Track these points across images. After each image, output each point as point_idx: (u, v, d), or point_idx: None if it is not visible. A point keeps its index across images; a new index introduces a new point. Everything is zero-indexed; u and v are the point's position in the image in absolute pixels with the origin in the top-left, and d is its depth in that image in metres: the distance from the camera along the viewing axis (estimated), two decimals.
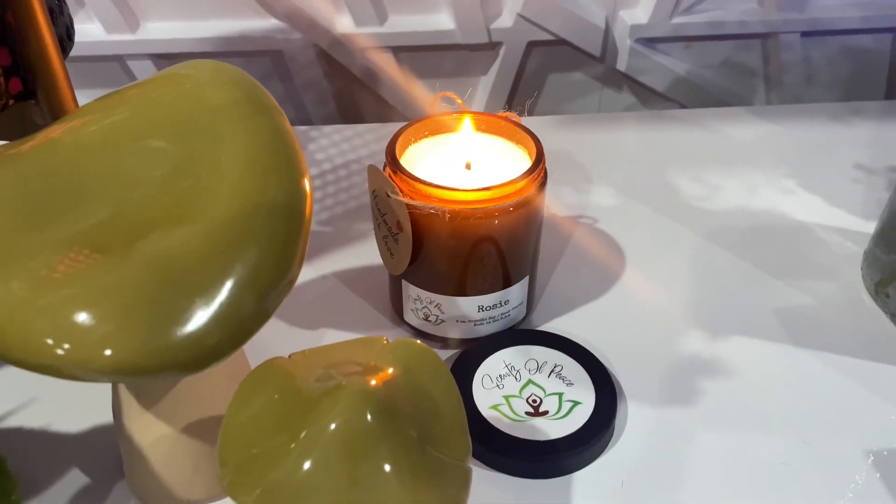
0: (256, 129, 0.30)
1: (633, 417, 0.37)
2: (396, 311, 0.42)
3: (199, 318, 0.26)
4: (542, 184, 0.38)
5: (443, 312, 0.39)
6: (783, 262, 0.46)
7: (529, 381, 0.37)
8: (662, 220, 0.50)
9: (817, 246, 0.48)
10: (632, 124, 0.62)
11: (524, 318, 0.42)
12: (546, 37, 0.64)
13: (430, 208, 0.36)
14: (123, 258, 0.26)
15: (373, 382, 0.25)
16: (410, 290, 0.40)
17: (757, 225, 0.50)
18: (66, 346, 0.25)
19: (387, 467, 0.24)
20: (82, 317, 0.25)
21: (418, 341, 0.29)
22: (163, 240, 0.27)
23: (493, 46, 0.65)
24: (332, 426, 0.24)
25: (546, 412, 0.36)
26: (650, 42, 0.66)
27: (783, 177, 0.54)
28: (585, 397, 0.37)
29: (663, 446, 0.36)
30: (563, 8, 0.62)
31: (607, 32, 0.65)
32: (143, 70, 0.63)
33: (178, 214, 0.28)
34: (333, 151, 0.56)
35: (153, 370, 0.25)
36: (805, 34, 0.66)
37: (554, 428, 0.35)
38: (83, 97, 0.65)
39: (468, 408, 0.36)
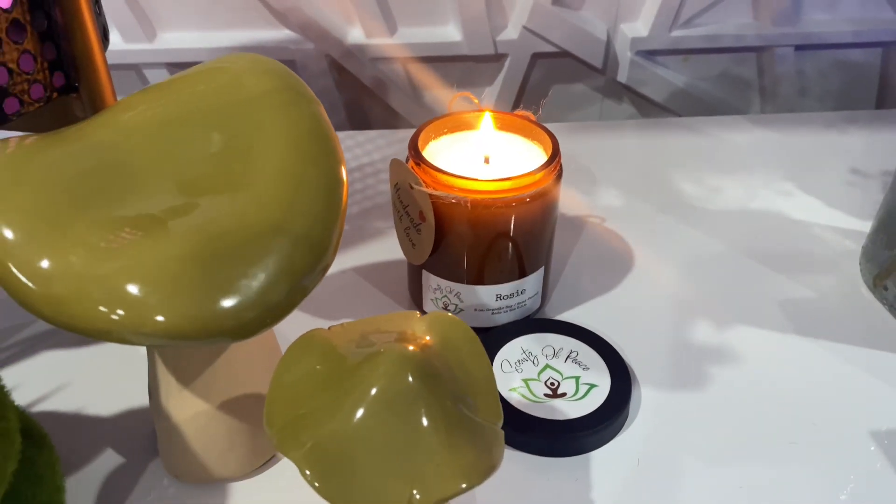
0: (295, 116, 0.31)
1: (647, 401, 0.39)
2: (415, 301, 0.44)
3: (243, 291, 0.27)
4: (559, 176, 0.39)
5: (461, 301, 0.41)
6: (784, 258, 0.48)
7: (547, 366, 0.39)
8: (666, 218, 0.52)
9: (816, 243, 0.50)
10: (632, 131, 0.64)
11: (539, 309, 0.44)
12: (550, 49, 0.66)
13: (453, 198, 0.37)
14: (173, 232, 0.28)
15: (411, 348, 0.27)
16: (430, 280, 0.41)
17: (757, 224, 0.52)
18: (121, 312, 0.26)
19: (426, 423, 0.25)
20: (136, 286, 0.26)
21: (451, 314, 0.30)
22: (210, 216, 0.28)
23: (498, 58, 0.67)
24: (375, 387, 0.25)
25: (564, 394, 0.37)
26: (650, 54, 0.68)
27: (781, 180, 0.56)
28: (601, 380, 0.38)
29: (676, 427, 0.38)
30: (567, 21, 0.65)
31: (609, 45, 0.67)
32: (159, 79, 0.65)
33: (223, 194, 0.29)
34: (347, 156, 0.58)
35: (199, 336, 0.27)
36: (798, 48, 0.69)
37: (572, 408, 0.37)
38: None
39: None
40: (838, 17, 0.68)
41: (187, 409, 0.33)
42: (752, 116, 0.66)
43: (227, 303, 0.27)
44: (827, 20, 0.68)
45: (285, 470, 0.36)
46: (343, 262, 0.48)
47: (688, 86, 0.70)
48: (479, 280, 0.40)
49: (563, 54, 0.67)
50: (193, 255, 0.27)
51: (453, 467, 0.25)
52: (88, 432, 0.37)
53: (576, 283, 0.46)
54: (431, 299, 0.42)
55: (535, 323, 0.42)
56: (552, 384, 0.38)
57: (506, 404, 0.37)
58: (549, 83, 0.70)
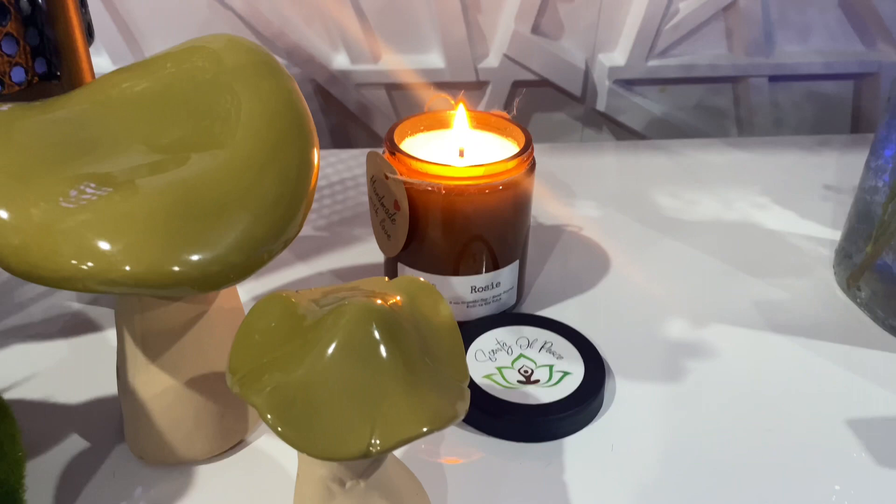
0: (271, 90, 0.32)
1: (622, 391, 0.39)
2: None
3: (207, 248, 0.28)
4: (531, 168, 0.40)
5: None
6: (759, 263, 0.49)
7: (521, 355, 0.39)
8: (643, 228, 0.53)
9: (791, 251, 0.50)
10: (610, 152, 0.65)
11: (515, 306, 0.44)
12: (530, 77, 0.68)
13: (427, 185, 0.38)
14: (141, 190, 0.28)
15: (378, 302, 0.27)
16: (405, 273, 0.41)
17: (732, 233, 0.52)
18: (90, 264, 0.26)
19: (389, 369, 0.25)
20: (102, 237, 0.26)
21: (421, 278, 0.30)
22: (180, 178, 0.29)
23: (480, 85, 0.69)
24: (339, 336, 0.25)
25: (537, 381, 0.37)
26: (628, 84, 0.70)
27: (756, 194, 0.57)
28: (575, 368, 0.38)
29: (650, 416, 0.37)
30: (546, 50, 0.67)
31: (587, 74, 0.69)
32: None
33: (194, 159, 0.30)
34: (329, 171, 0.58)
35: (165, 285, 0.27)
36: (772, 78, 0.71)
37: (545, 394, 0.36)
38: None
39: None
40: (809, 48, 0.70)
41: (154, 385, 0.33)
42: (728, 140, 0.68)
43: (191, 257, 0.27)
44: (799, 52, 0.70)
45: (253, 454, 0.35)
46: (321, 264, 0.48)
47: (666, 115, 0.72)
48: (454, 271, 0.40)
49: (543, 83, 0.69)
50: (161, 212, 0.28)
51: (416, 412, 0.25)
52: (55, 418, 0.37)
53: (552, 283, 0.47)
54: None
55: (510, 317, 0.42)
56: (526, 372, 0.38)
57: (478, 390, 0.37)
58: (529, 111, 0.71)
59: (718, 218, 0.54)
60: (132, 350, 0.33)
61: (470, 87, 0.68)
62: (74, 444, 0.35)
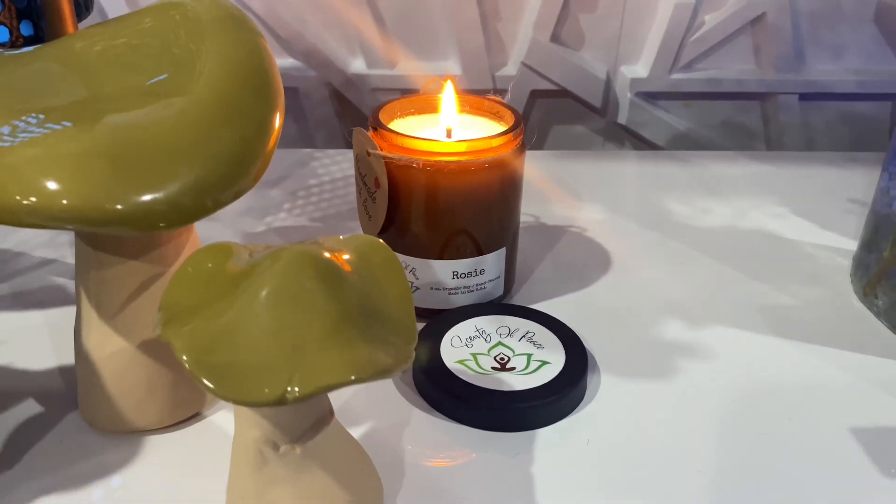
0: (239, 42, 0.31)
1: (607, 386, 0.36)
2: None
3: (152, 190, 0.27)
4: (521, 149, 0.38)
5: (417, 278, 0.39)
6: (769, 270, 0.46)
7: (499, 343, 0.37)
8: (649, 232, 0.50)
9: (805, 259, 0.47)
10: (623, 159, 0.63)
11: (503, 298, 0.42)
12: (549, 86, 0.67)
13: (408, 160, 0.36)
14: (90, 128, 0.27)
15: (326, 255, 0.25)
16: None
17: (744, 240, 0.49)
18: (33, 199, 0.26)
19: (320, 317, 0.23)
20: (48, 173, 0.26)
21: (376, 238, 0.29)
22: (132, 118, 0.28)
23: (498, 95, 0.67)
24: (271, 281, 0.24)
25: (513, 368, 0.35)
26: (650, 97, 0.68)
27: (773, 205, 0.54)
28: (555, 359, 0.36)
29: (635, 412, 0.35)
30: (566, 60, 0.65)
31: (608, 85, 0.67)
32: None
33: (154, 104, 0.29)
34: (334, 168, 0.58)
35: (105, 222, 0.26)
36: (803, 97, 0.68)
37: (519, 381, 0.34)
38: None
39: (435, 362, 0.35)
40: (842, 66, 0.68)
41: (106, 346, 0.32)
42: (750, 153, 0.65)
43: (135, 196, 0.26)
44: (831, 69, 0.68)
45: (208, 428, 0.33)
46: None
47: (690, 131, 0.69)
48: (435, 255, 0.39)
49: (563, 93, 0.68)
50: (108, 151, 0.27)
51: (344, 360, 0.23)
52: (14, 383, 0.36)
53: (546, 279, 0.44)
54: None
55: (494, 306, 0.40)
56: (502, 359, 0.36)
57: (448, 375, 0.34)
58: (548, 124, 0.70)
59: (731, 225, 0.51)
60: (87, 309, 0.32)
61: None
62: (28, 408, 0.34)
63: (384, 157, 0.37)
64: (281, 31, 0.63)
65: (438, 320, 0.38)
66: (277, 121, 0.31)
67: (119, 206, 0.26)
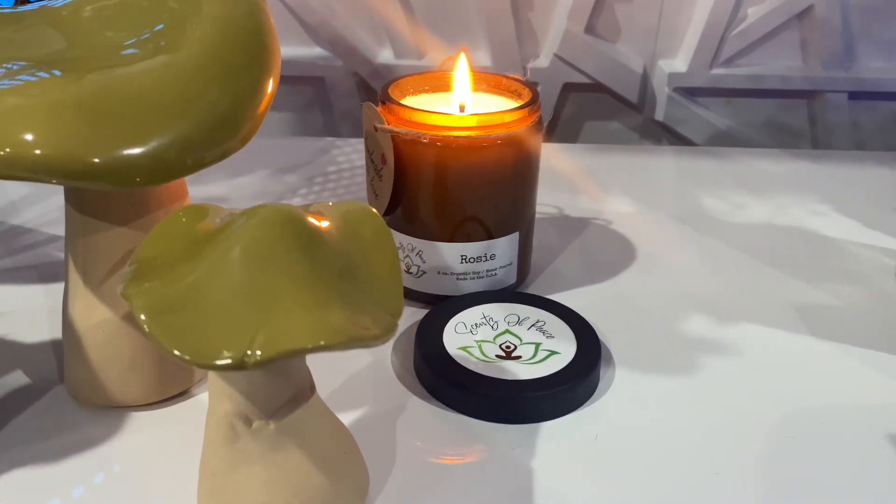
0: (235, 2, 0.30)
1: (621, 381, 0.34)
2: None
3: (131, 145, 0.26)
4: (537, 127, 0.36)
5: (424, 262, 0.37)
6: (807, 268, 0.43)
7: (507, 331, 0.34)
8: (679, 226, 0.47)
9: (848, 258, 0.44)
10: (656, 154, 0.60)
11: (516, 287, 0.39)
12: (582, 79, 0.64)
13: (413, 134, 0.35)
14: (74, 80, 0.26)
15: (311, 219, 0.24)
16: (394, 238, 0.38)
17: (781, 236, 0.46)
18: (7, 149, 0.24)
19: (293, 277, 0.22)
20: (25, 123, 0.25)
21: (367, 205, 0.27)
22: (118, 71, 0.27)
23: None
24: (243, 237, 0.22)
25: (519, 357, 0.33)
26: (689, 92, 0.65)
27: (815, 202, 0.51)
28: (565, 349, 0.33)
29: (650, 408, 0.32)
30: (601, 52, 0.63)
31: (645, 79, 0.65)
32: None
33: (142, 61, 0.28)
34: (354, 157, 0.56)
35: (78, 176, 0.25)
36: (852, 95, 0.65)
37: (524, 370, 0.32)
38: None
39: (436, 348, 0.33)
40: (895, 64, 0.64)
41: (91, 316, 0.31)
42: (793, 150, 0.62)
43: (117, 150, 0.25)
44: (884, 67, 0.64)
45: (195, 406, 0.32)
46: None
47: (731, 129, 0.66)
48: (443, 237, 0.37)
49: (597, 87, 0.65)
50: (89, 103, 0.26)
51: (313, 325, 0.21)
52: (5, 355, 0.35)
53: (565, 271, 0.42)
54: None
55: (504, 293, 0.37)
56: (507, 347, 0.33)
57: (448, 361, 0.32)
58: (581, 119, 0.67)
59: (768, 222, 0.48)
60: (73, 277, 0.31)
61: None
62: (15, 380, 0.33)
63: (390, 132, 0.35)
64: (308, 18, 0.62)
65: (444, 306, 0.36)
66: (271, 85, 0.29)
67: (96, 159, 0.25)
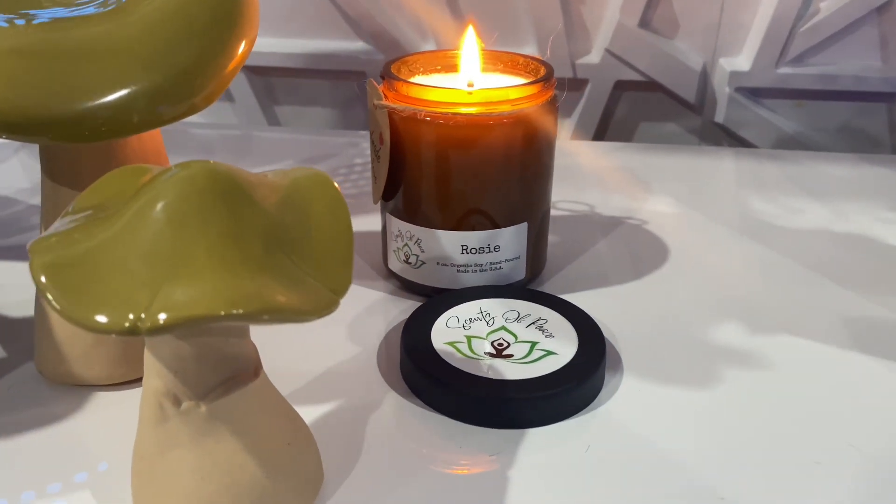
0: None
1: (628, 389, 0.30)
2: (385, 260, 0.38)
3: (87, 99, 0.25)
4: (551, 105, 0.33)
5: (423, 251, 0.34)
6: (865, 278, 0.38)
7: (502, 328, 0.31)
8: (720, 228, 0.43)
9: None
10: (707, 154, 0.56)
11: (525, 283, 0.36)
12: (636, 77, 0.61)
13: (409, 110, 0.32)
14: (32, 37, 0.25)
15: (233, 170, 0.21)
16: (393, 226, 0.35)
17: (840, 244, 0.41)
18: None
19: (207, 243, 0.19)
20: None
21: (322, 172, 0.24)
22: (81, 32, 0.26)
23: (578, 85, 0.62)
24: (159, 196, 0.20)
25: (510, 356, 0.30)
26: (752, 93, 0.60)
27: (884, 209, 0.46)
28: (564, 350, 0.30)
29: (656, 422, 0.28)
30: (656, 48, 0.59)
31: (704, 78, 0.60)
32: (237, 82, 0.65)
33: (105, 22, 0.26)
34: None
35: (30, 132, 0.25)
36: None
37: (514, 370, 0.29)
38: None
39: (421, 342, 0.30)
40: None
41: None
42: (864, 155, 0.56)
43: (68, 104, 0.25)
44: None
45: None
46: None
47: (799, 135, 0.61)
48: (442, 224, 0.34)
49: (651, 85, 0.61)
50: (41, 55, 0.24)
51: (221, 291, 0.19)
52: None
53: (585, 269, 0.39)
54: (394, 251, 0.36)
55: (507, 289, 0.34)
56: (500, 344, 0.30)
57: (431, 356, 0.29)
58: (635, 120, 0.63)
59: (825, 228, 0.43)
60: None
61: (566, 86, 0.62)
62: None
63: (387, 108, 0.33)
64: (350, 10, 0.61)
65: (440, 298, 0.33)
66: (243, 46, 0.28)
67: (51, 111, 0.24)
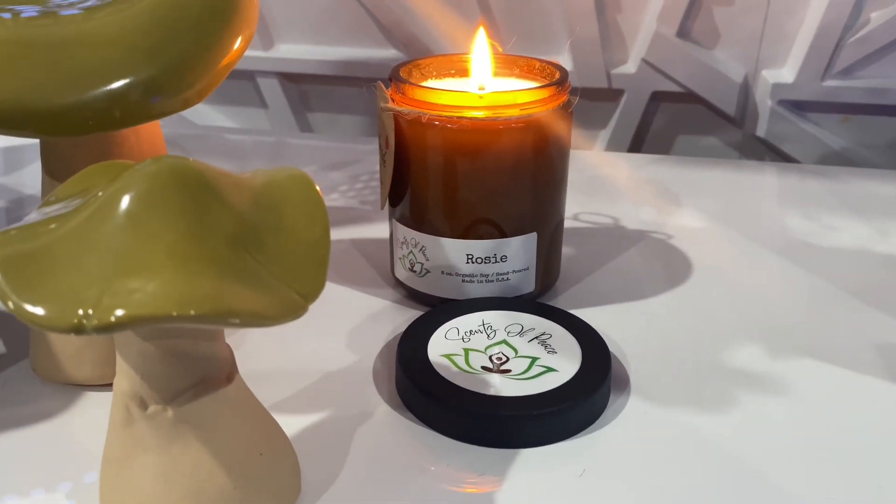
0: None
1: (633, 412, 0.28)
2: (392, 268, 0.37)
3: (79, 92, 0.25)
4: (565, 110, 0.32)
5: (427, 259, 0.33)
6: None
7: (503, 341, 0.30)
8: (750, 245, 0.41)
9: None
10: (742, 168, 0.53)
11: (534, 296, 0.35)
12: (673, 88, 0.59)
13: (414, 113, 0.31)
14: (26, 24, 0.25)
15: (203, 167, 0.21)
16: (398, 233, 0.34)
17: (878, 265, 0.39)
18: None
19: (166, 240, 0.19)
20: None
21: (301, 171, 0.23)
22: (76, 26, 0.26)
23: (613, 95, 0.60)
24: (124, 190, 0.19)
25: (508, 371, 0.28)
26: (796, 106, 0.58)
27: None
28: (565, 367, 0.28)
29: (659, 449, 0.26)
30: (695, 58, 0.57)
31: (745, 90, 0.58)
32: (270, 88, 0.66)
33: (101, 12, 0.26)
34: None
35: (11, 125, 0.24)
36: None
37: (510, 386, 0.27)
38: (216, 112, 0.69)
39: (416, 354, 0.29)
40: None
41: None
42: None
43: (55, 98, 0.24)
44: None
45: None
46: (341, 233, 0.42)
47: (846, 151, 0.58)
48: (447, 231, 0.33)
49: (689, 97, 0.59)
50: (26, 45, 0.24)
51: (173, 290, 0.18)
52: None
53: (600, 284, 0.37)
54: (400, 259, 0.35)
55: (512, 301, 0.33)
56: (499, 359, 0.29)
57: (425, 369, 0.28)
58: (672, 133, 0.61)
59: (863, 247, 0.41)
60: None
61: (601, 97, 0.60)
62: None
63: (392, 111, 0.32)
64: (381, 16, 0.60)
65: (441, 308, 0.32)
66: (237, 43, 0.27)
67: (35, 103, 0.24)
